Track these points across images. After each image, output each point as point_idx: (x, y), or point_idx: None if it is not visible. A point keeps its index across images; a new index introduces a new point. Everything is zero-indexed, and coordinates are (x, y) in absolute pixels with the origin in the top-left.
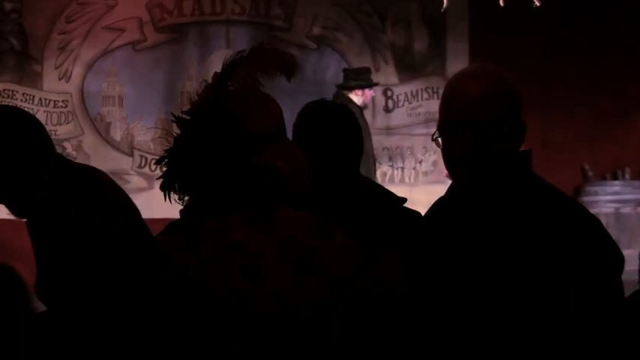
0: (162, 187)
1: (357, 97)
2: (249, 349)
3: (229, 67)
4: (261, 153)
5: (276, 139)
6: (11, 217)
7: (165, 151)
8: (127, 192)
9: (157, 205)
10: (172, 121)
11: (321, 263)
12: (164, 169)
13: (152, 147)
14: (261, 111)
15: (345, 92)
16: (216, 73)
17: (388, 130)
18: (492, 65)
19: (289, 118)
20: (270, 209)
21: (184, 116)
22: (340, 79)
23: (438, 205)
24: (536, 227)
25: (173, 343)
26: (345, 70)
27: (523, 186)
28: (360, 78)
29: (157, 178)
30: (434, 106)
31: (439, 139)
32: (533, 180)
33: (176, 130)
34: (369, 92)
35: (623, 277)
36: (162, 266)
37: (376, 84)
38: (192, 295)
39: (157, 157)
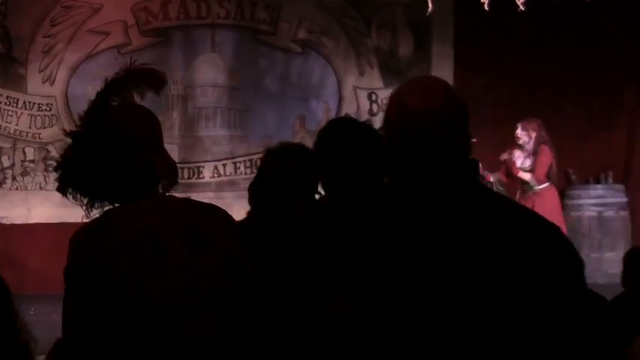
0: (59, 189)
1: None
2: (162, 319)
3: (110, 85)
4: (143, 154)
5: (154, 142)
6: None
7: (61, 157)
8: None
9: None
10: (65, 135)
11: (210, 237)
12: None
13: None
14: (139, 120)
15: None
16: (98, 92)
17: None
18: (436, 77)
19: (275, 121)
20: (162, 196)
21: (77, 129)
22: (325, 83)
23: (390, 204)
24: (502, 229)
25: (96, 319)
26: None
27: (479, 191)
28: None
29: (54, 179)
30: None
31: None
32: (484, 187)
33: None
34: None
35: (607, 280)
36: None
37: None
38: (107, 277)
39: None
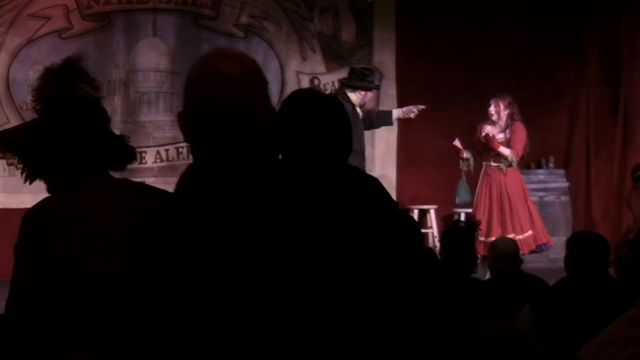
0: (31, 174)
1: (356, 96)
2: (90, 297)
3: (70, 70)
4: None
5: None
6: None
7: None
8: None
9: None
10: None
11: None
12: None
13: None
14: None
15: (347, 90)
16: (59, 74)
17: None
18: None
19: None
20: (115, 180)
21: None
22: (267, 68)
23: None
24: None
25: (37, 293)
26: (352, 69)
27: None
28: (366, 80)
29: (18, 168)
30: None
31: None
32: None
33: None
34: (370, 94)
35: (549, 264)
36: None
37: (378, 87)
38: (49, 256)
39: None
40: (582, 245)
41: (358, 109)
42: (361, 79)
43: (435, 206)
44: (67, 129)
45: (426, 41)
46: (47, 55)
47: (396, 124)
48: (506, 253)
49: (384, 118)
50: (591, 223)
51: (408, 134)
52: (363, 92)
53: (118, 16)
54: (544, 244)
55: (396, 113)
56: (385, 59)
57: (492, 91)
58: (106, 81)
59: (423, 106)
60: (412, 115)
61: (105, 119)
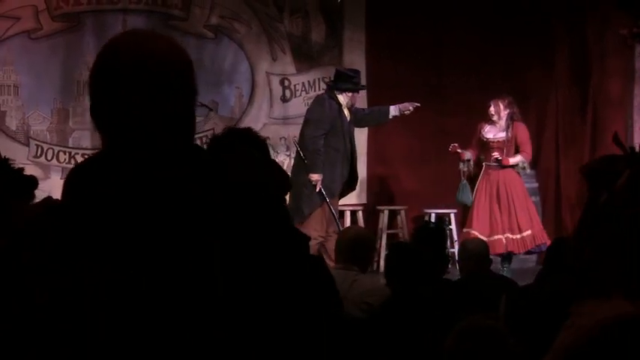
0: None
1: (344, 97)
2: None
3: None
4: None
5: None
6: None
7: None
8: None
9: (55, 195)
10: None
11: None
12: None
13: (48, 136)
14: None
15: (336, 92)
16: None
17: (285, 120)
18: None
19: None
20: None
21: None
22: (238, 69)
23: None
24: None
25: None
26: (337, 71)
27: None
28: (352, 81)
29: None
30: None
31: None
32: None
33: (73, 120)
34: (357, 94)
35: (519, 265)
36: None
37: (364, 87)
38: None
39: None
40: (560, 250)
41: (346, 110)
42: (348, 80)
43: (405, 207)
44: None
45: (395, 42)
46: (17, 55)
47: None
48: (476, 254)
49: (379, 116)
50: (561, 223)
51: (378, 135)
52: (350, 93)
53: (87, 16)
54: (542, 244)
55: (393, 111)
56: (355, 60)
57: (461, 91)
58: (76, 82)
59: (417, 104)
60: (407, 113)
61: None
